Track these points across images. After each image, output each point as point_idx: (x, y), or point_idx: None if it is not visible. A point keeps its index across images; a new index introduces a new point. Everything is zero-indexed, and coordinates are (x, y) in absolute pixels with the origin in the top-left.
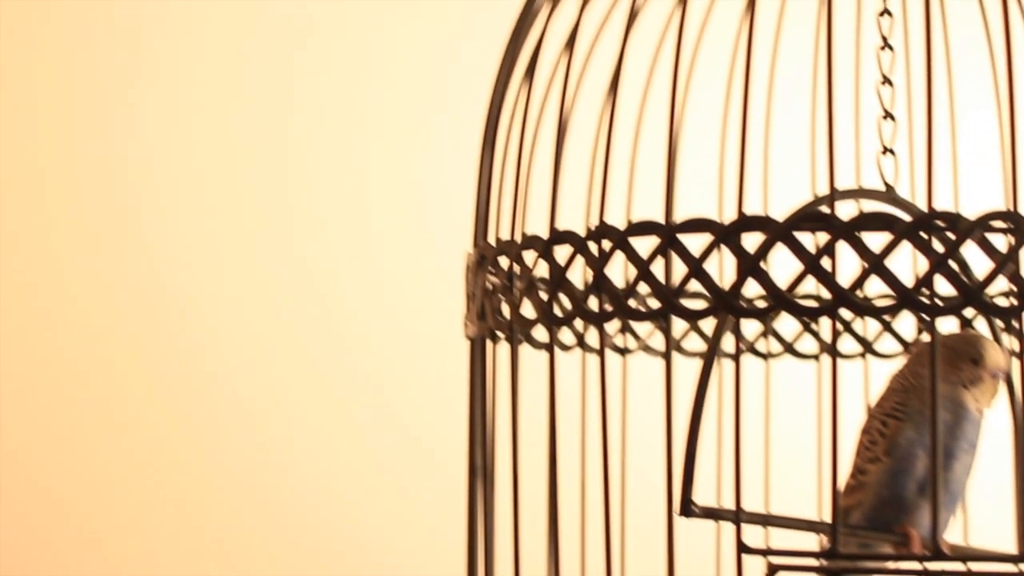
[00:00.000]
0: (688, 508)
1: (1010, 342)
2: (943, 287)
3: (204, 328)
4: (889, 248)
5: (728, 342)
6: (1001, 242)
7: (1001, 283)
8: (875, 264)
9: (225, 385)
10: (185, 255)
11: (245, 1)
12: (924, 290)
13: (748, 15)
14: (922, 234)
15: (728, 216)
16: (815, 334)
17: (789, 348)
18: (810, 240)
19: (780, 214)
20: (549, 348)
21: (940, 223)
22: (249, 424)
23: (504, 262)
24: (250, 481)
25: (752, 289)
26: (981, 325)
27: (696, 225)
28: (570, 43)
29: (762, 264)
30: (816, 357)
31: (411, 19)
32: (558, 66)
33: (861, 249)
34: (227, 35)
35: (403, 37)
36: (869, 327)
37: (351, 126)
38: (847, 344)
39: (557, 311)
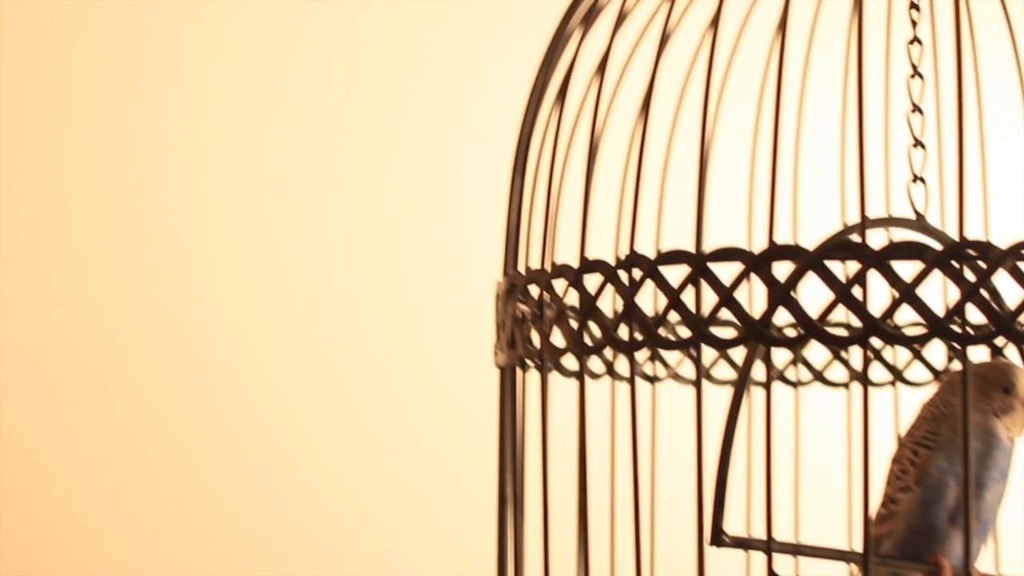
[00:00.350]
0: (719, 537)
1: None
2: (974, 315)
3: (234, 356)
4: (920, 277)
5: (758, 370)
6: None
7: None
8: (906, 293)
9: (252, 408)
10: (212, 280)
11: (275, 30)
12: (955, 319)
13: (778, 37)
14: (953, 263)
15: (758, 244)
16: (845, 362)
17: (819, 376)
18: (840, 269)
19: (810, 243)
20: (579, 376)
21: (971, 252)
22: (275, 450)
23: (534, 290)
24: (277, 508)
25: (782, 317)
26: (1012, 354)
27: (727, 254)
28: (601, 68)
29: (792, 293)
30: (846, 385)
31: (442, 44)
32: (589, 91)
33: (892, 278)
34: (258, 57)
35: (434, 63)
36: (899, 355)
37: (381, 152)
38: (877, 372)
39: (587, 340)
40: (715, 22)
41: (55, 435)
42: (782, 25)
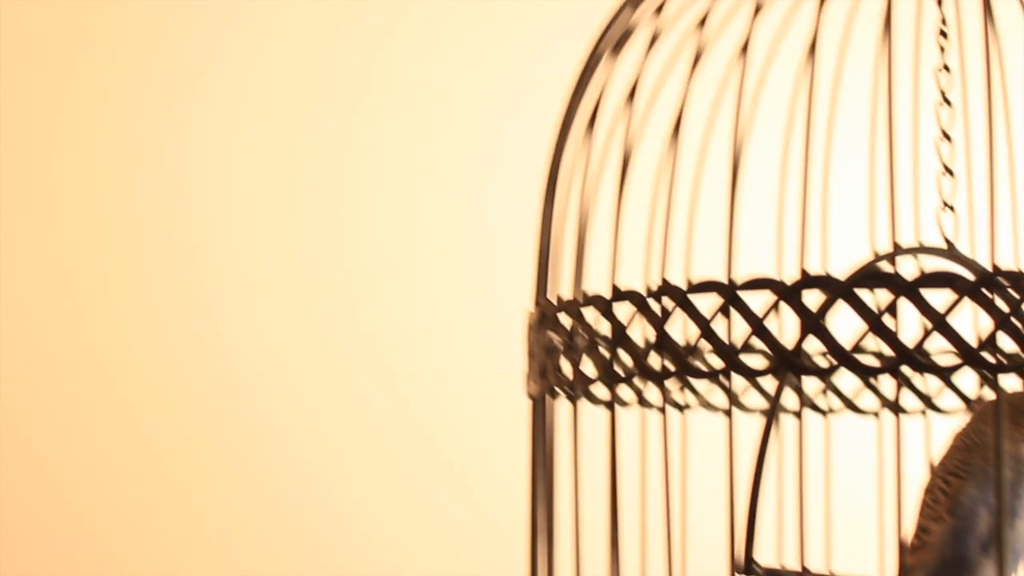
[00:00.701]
0: (750, 566)
1: None
2: (1006, 344)
3: (260, 380)
4: (952, 307)
5: (789, 399)
6: None
7: None
8: (938, 323)
9: (278, 431)
10: (239, 295)
11: (304, 56)
12: (987, 348)
13: (808, 64)
14: (985, 292)
15: (788, 273)
16: (876, 390)
17: (850, 405)
18: (871, 298)
19: (841, 272)
20: (610, 405)
21: (1003, 281)
22: (302, 475)
23: (565, 320)
24: (303, 533)
25: (813, 346)
26: None
27: (758, 284)
28: (631, 94)
29: (823, 322)
30: (877, 414)
31: (472, 71)
32: (619, 117)
33: (924, 308)
34: (288, 86)
35: (464, 90)
36: (930, 383)
37: (411, 182)
38: (908, 401)
39: (618, 369)
40: (745, 49)
41: (64, 434)
42: (812, 52)
